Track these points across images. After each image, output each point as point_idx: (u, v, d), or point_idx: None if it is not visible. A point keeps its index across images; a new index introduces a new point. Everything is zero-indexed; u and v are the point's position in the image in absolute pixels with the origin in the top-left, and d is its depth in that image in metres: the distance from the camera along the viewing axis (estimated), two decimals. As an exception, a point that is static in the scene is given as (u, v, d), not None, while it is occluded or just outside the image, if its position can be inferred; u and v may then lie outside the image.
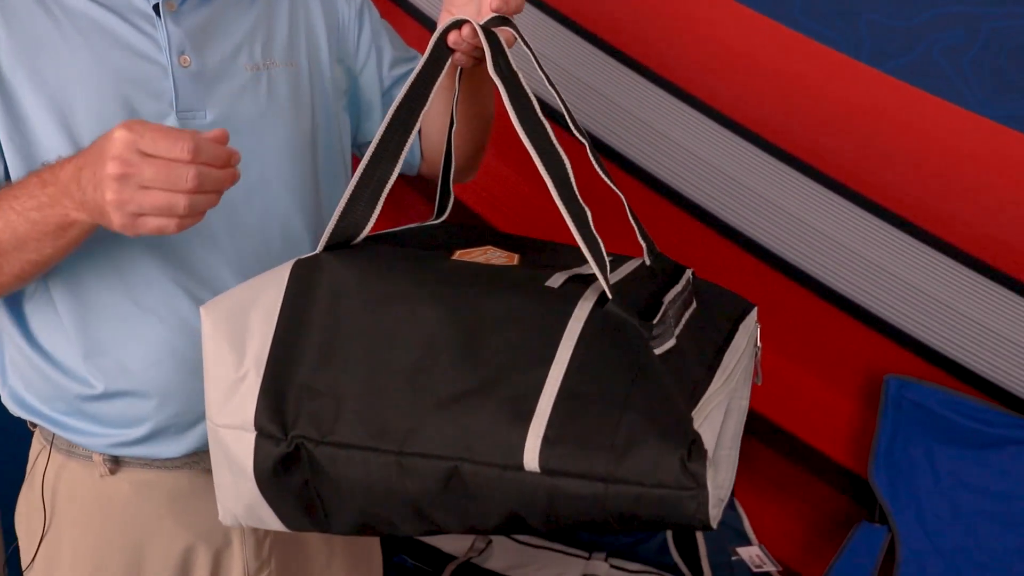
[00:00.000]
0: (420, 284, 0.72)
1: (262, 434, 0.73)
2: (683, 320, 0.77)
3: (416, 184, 1.26)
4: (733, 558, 1.40)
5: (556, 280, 0.73)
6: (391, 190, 0.80)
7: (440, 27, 0.82)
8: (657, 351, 0.69)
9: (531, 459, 0.65)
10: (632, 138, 1.56)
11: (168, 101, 0.85)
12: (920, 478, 1.50)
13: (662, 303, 0.75)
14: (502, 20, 0.84)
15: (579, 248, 0.74)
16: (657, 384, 0.66)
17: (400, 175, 1.16)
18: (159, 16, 0.85)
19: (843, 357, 1.56)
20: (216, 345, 0.75)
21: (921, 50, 1.43)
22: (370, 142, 1.06)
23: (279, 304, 0.74)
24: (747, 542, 1.45)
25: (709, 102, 1.52)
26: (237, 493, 0.76)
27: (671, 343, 0.71)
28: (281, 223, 0.93)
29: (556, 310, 0.69)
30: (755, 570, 1.36)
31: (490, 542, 1.61)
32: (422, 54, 1.08)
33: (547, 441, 0.64)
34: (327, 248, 0.78)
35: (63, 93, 0.82)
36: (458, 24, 0.82)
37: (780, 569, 1.36)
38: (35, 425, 0.97)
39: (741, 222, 1.54)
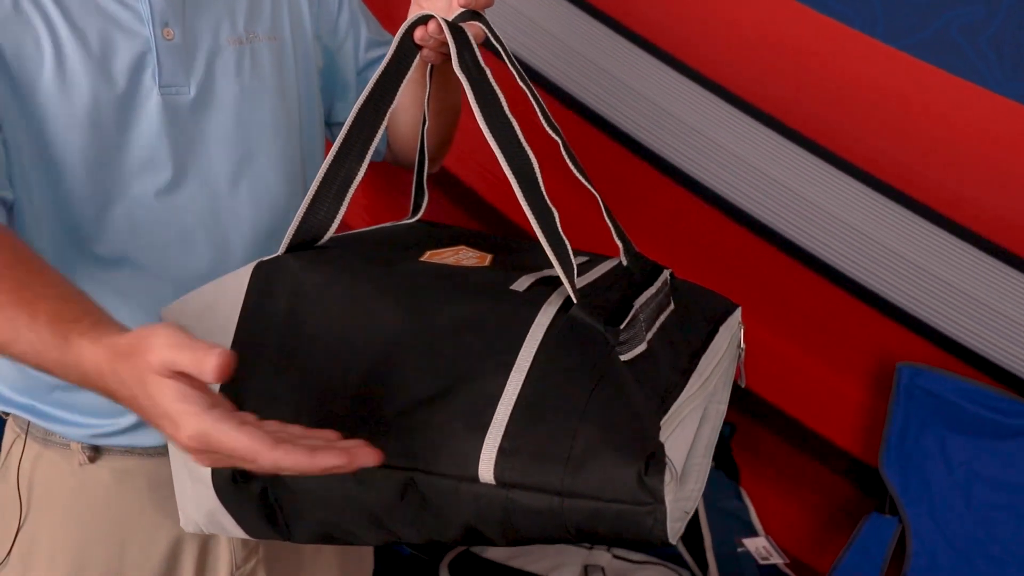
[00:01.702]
0: (381, 288, 0.69)
1: None
2: (657, 323, 0.74)
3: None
4: (739, 549, 1.36)
5: (522, 283, 0.70)
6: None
7: (406, 22, 0.79)
8: (625, 357, 0.66)
9: (486, 471, 0.62)
10: (635, 115, 1.51)
11: (151, 75, 0.82)
12: (932, 469, 1.47)
13: (632, 305, 0.72)
14: (473, 15, 0.81)
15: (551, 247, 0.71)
16: (619, 393, 0.63)
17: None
18: None
19: (854, 344, 1.52)
20: None
21: (938, 27, 1.38)
22: (342, 123, 1.04)
23: (239, 307, 0.71)
24: (754, 533, 1.42)
25: (716, 79, 1.47)
26: (197, 500, 0.74)
27: (641, 348, 0.68)
28: (269, 202, 0.90)
29: (519, 315, 0.66)
30: (762, 562, 1.32)
31: (490, 531, 1.58)
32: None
33: (503, 452, 0.62)
34: (290, 249, 0.75)
35: (38, 67, 0.78)
36: (424, 19, 0.78)
37: (787, 561, 1.33)
38: (7, 413, 0.93)
39: (750, 203, 1.50)
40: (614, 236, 0.82)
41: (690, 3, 1.47)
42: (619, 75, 1.52)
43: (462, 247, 0.79)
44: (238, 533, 0.74)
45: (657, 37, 1.50)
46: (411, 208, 0.92)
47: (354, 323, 0.68)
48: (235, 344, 0.71)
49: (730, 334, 0.82)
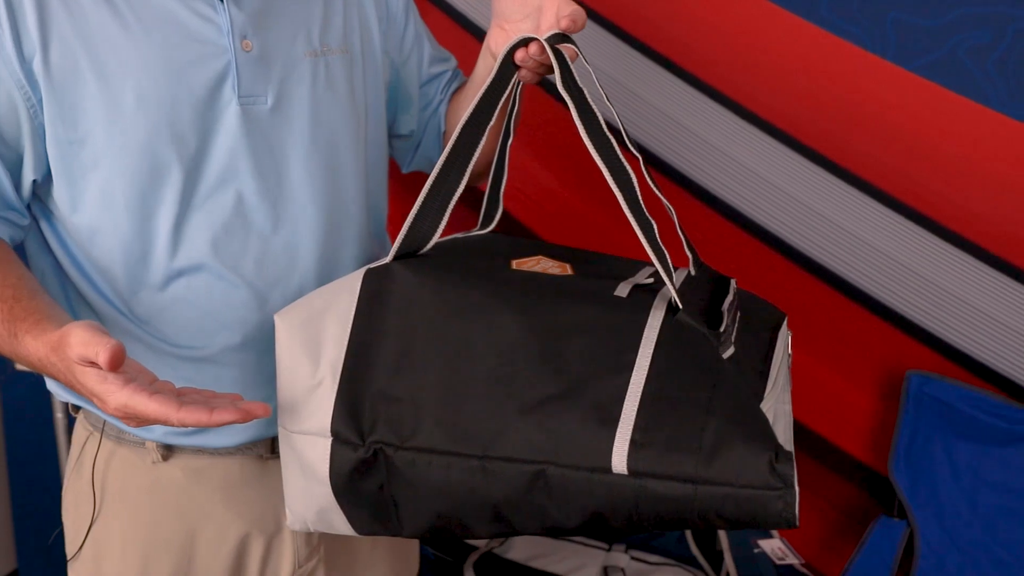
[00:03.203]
0: (495, 294, 0.74)
1: (338, 440, 0.74)
2: (735, 331, 0.79)
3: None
4: (755, 551, 1.41)
5: (623, 290, 0.75)
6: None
7: (508, 45, 0.84)
8: (724, 357, 0.71)
9: (619, 462, 0.67)
10: (658, 133, 1.56)
11: (230, 86, 0.85)
12: (940, 474, 1.52)
13: (721, 312, 0.77)
14: (562, 37, 0.84)
15: (625, 258, 0.75)
16: (734, 389, 0.68)
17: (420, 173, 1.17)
18: (221, 1, 0.85)
19: (864, 353, 1.57)
20: (291, 352, 0.76)
21: (946, 49, 1.44)
22: (403, 135, 1.08)
23: (352, 312, 0.76)
24: (768, 535, 1.47)
25: (736, 98, 1.53)
26: (309, 498, 0.77)
27: (731, 350, 0.73)
28: (337, 207, 0.93)
29: (630, 319, 0.71)
30: (778, 563, 1.37)
31: (511, 533, 1.62)
32: (455, 54, 1.10)
33: (635, 444, 0.66)
34: (396, 258, 0.79)
35: (122, 81, 0.82)
36: (525, 42, 0.83)
37: (803, 561, 1.38)
38: (77, 410, 0.97)
39: (766, 218, 1.55)
40: (684, 247, 0.87)
41: (709, 23, 1.53)
42: (638, 91, 1.57)
43: (541, 257, 0.84)
44: (346, 530, 0.78)
45: (678, 56, 1.55)
46: (482, 219, 0.96)
47: (472, 326, 0.72)
48: (351, 346, 0.75)
49: (784, 340, 0.87)
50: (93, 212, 0.85)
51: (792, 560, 1.38)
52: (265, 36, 0.88)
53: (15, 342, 0.76)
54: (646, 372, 0.68)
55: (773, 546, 1.42)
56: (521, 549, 1.59)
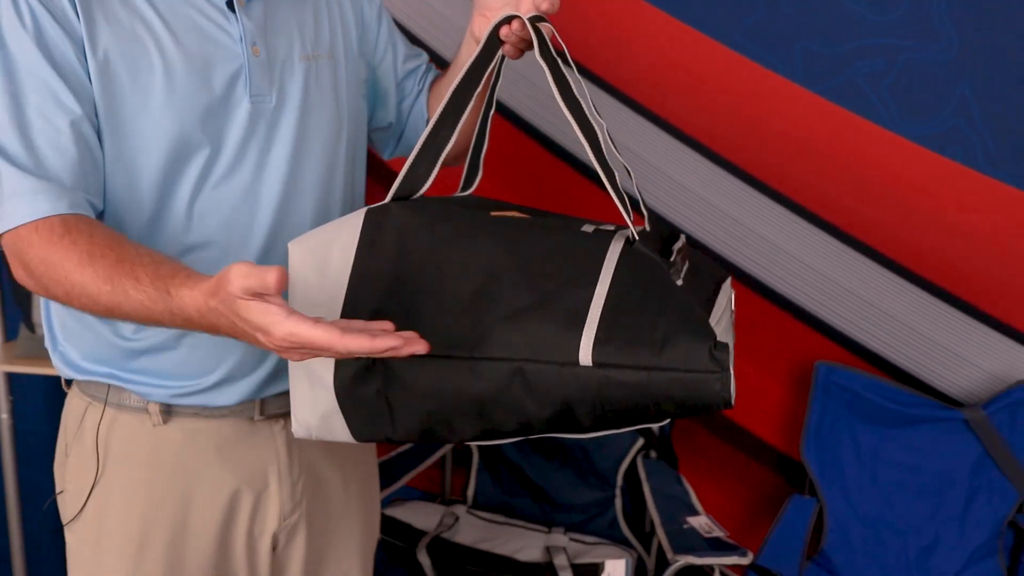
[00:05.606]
0: (479, 227, 0.86)
1: None
2: (684, 270, 0.92)
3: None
4: (685, 526, 1.54)
5: (587, 228, 0.89)
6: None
7: (493, 22, 0.96)
8: None
9: (585, 356, 0.78)
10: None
11: (243, 85, 0.96)
12: (845, 454, 1.68)
13: (672, 251, 0.90)
14: (539, 18, 0.97)
15: (583, 218, 0.88)
16: (681, 298, 0.81)
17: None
18: (233, 11, 0.96)
19: (776, 347, 1.74)
20: (303, 274, 0.86)
21: (847, 75, 1.63)
22: (382, 127, 1.19)
23: (356, 242, 0.86)
24: (696, 513, 1.60)
25: (660, 113, 1.68)
26: (314, 404, 0.87)
27: (680, 283, 0.86)
28: (324, 190, 1.05)
29: (595, 247, 0.84)
30: (705, 535, 1.50)
31: (457, 519, 1.72)
32: (428, 56, 1.22)
33: (599, 341, 0.78)
34: (393, 199, 0.90)
35: (151, 78, 0.92)
36: (508, 20, 0.96)
37: (728, 533, 1.51)
38: (69, 384, 1.04)
39: (690, 224, 1.71)
40: (642, 206, 1.00)
41: (625, 40, 1.68)
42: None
43: (514, 211, 0.95)
44: (344, 436, 0.87)
45: (600, 69, 1.70)
46: (463, 182, 1.06)
47: (459, 252, 0.84)
48: (354, 271, 0.85)
49: (727, 295, 0.99)
50: (119, 192, 0.94)
51: (718, 533, 1.51)
52: (269, 43, 0.99)
53: (169, 299, 0.79)
54: (608, 286, 0.80)
55: (701, 522, 1.55)
56: (468, 534, 1.69)
